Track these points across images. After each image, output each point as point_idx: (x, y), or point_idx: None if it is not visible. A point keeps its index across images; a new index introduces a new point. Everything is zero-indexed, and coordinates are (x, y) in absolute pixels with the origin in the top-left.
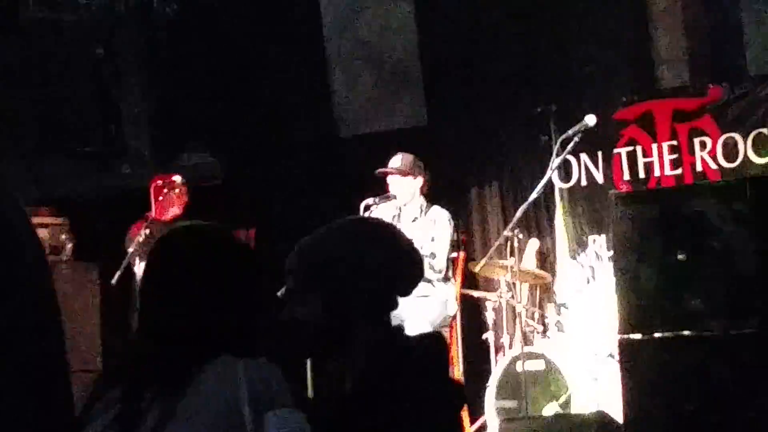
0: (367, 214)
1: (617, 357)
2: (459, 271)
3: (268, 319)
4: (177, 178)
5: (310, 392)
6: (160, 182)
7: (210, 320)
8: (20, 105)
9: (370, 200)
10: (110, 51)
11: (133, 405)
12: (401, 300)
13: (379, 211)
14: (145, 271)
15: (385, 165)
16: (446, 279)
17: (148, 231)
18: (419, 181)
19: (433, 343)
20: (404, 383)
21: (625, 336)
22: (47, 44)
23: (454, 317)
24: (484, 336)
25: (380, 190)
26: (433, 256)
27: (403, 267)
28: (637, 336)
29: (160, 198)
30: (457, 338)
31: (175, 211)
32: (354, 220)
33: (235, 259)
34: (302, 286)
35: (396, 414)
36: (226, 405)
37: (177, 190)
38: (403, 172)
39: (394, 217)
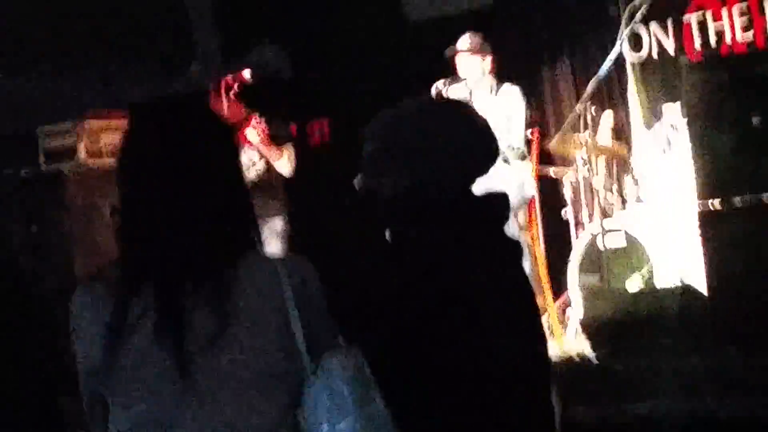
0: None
1: (698, 226)
2: (534, 150)
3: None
4: (246, 73)
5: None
6: (227, 79)
7: (233, 208)
8: (87, 10)
9: (440, 83)
10: None
11: (174, 311)
12: (478, 182)
13: (450, 93)
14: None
15: (453, 46)
16: (523, 157)
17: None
18: (488, 60)
19: (496, 200)
20: (465, 239)
21: (704, 203)
22: None
23: (532, 196)
24: (562, 212)
25: (450, 73)
26: (509, 133)
27: (480, 145)
28: (716, 202)
29: (229, 96)
30: (536, 217)
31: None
32: (433, 98)
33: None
34: (379, 155)
35: (458, 273)
36: (275, 306)
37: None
38: (472, 51)
39: (465, 99)
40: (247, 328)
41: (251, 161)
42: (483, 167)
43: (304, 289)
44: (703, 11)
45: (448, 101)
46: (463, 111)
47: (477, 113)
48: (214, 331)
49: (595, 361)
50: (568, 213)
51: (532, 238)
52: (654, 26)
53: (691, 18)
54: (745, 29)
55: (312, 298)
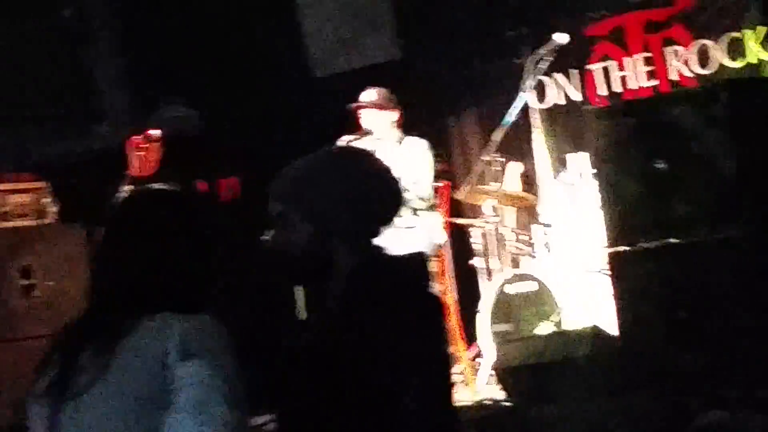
0: None
1: (607, 271)
2: (445, 201)
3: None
4: (153, 132)
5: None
6: (136, 138)
7: (152, 279)
8: None
9: (346, 137)
10: (79, 10)
11: (70, 365)
12: (388, 231)
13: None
14: (103, 232)
15: (358, 101)
16: (432, 208)
17: (130, 189)
18: (394, 114)
19: (414, 260)
20: (384, 297)
21: (613, 248)
22: (13, 8)
23: (443, 246)
24: (471, 261)
25: (357, 126)
26: (416, 185)
27: (382, 191)
28: (625, 247)
29: (138, 154)
30: (446, 267)
31: (153, 165)
32: (336, 148)
33: (188, 221)
34: (287, 214)
35: (377, 329)
36: (153, 359)
37: (152, 145)
38: (378, 106)
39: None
40: (115, 381)
41: None
42: (387, 214)
43: (193, 341)
44: (606, 61)
45: (349, 150)
46: (364, 159)
47: (379, 160)
48: (88, 381)
49: (508, 407)
50: (477, 262)
51: (444, 288)
52: (558, 76)
53: (595, 68)
54: (649, 77)
55: (202, 347)
